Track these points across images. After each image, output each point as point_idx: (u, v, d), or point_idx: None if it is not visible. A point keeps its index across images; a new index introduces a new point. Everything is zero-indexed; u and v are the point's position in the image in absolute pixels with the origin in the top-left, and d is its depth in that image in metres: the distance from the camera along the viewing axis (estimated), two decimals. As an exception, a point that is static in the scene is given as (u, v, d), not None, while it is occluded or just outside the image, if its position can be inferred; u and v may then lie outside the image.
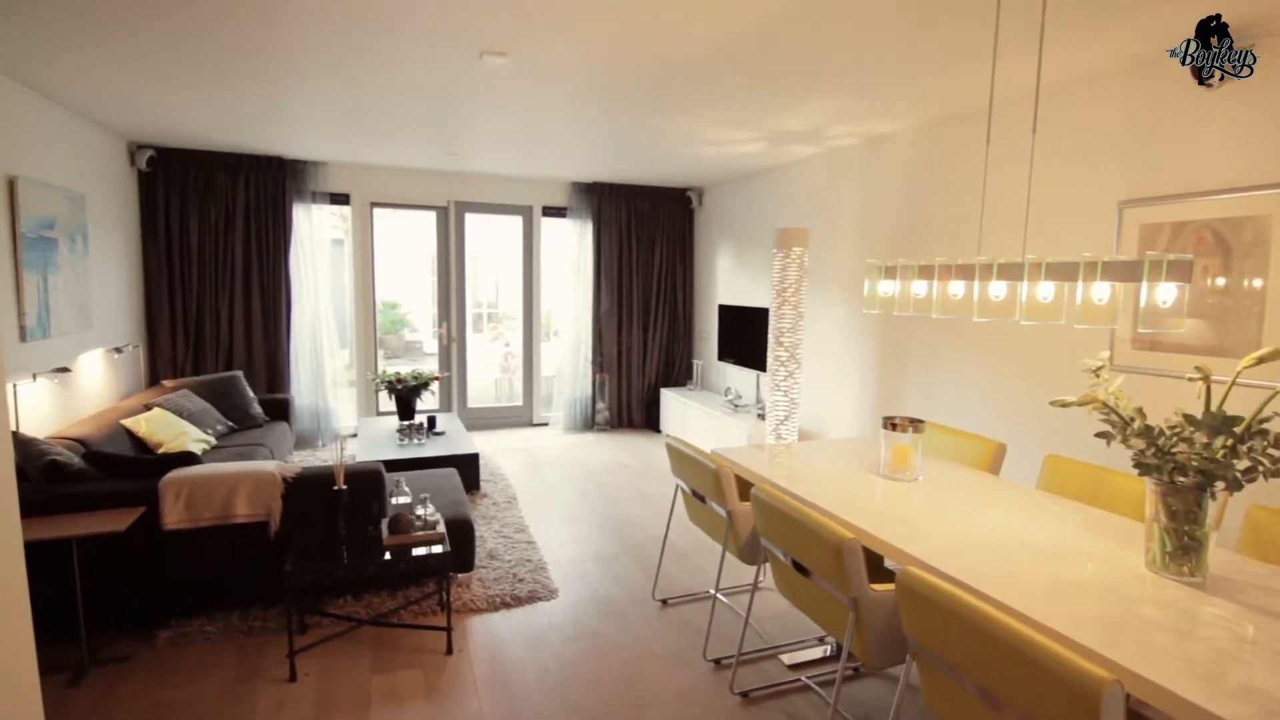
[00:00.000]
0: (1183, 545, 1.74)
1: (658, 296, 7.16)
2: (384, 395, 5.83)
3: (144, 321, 5.46)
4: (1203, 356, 2.75)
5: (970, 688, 1.54)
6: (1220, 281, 2.72)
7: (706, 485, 2.82)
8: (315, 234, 5.91)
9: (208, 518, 2.79)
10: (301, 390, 5.98)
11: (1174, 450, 1.68)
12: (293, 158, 5.74)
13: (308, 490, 2.95)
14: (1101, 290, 1.82)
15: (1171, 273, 1.71)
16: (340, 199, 6.14)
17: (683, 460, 2.98)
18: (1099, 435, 1.82)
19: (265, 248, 5.76)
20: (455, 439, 5.01)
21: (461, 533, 3.20)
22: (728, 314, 6.32)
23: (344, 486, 2.78)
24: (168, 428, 4.14)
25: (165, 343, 5.51)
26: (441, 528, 2.92)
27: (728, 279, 6.68)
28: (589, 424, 7.00)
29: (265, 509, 2.86)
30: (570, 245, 6.84)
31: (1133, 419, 1.78)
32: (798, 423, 4.67)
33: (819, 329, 5.18)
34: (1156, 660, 1.38)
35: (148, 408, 4.26)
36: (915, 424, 2.58)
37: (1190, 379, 1.70)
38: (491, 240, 7.42)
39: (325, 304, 6.03)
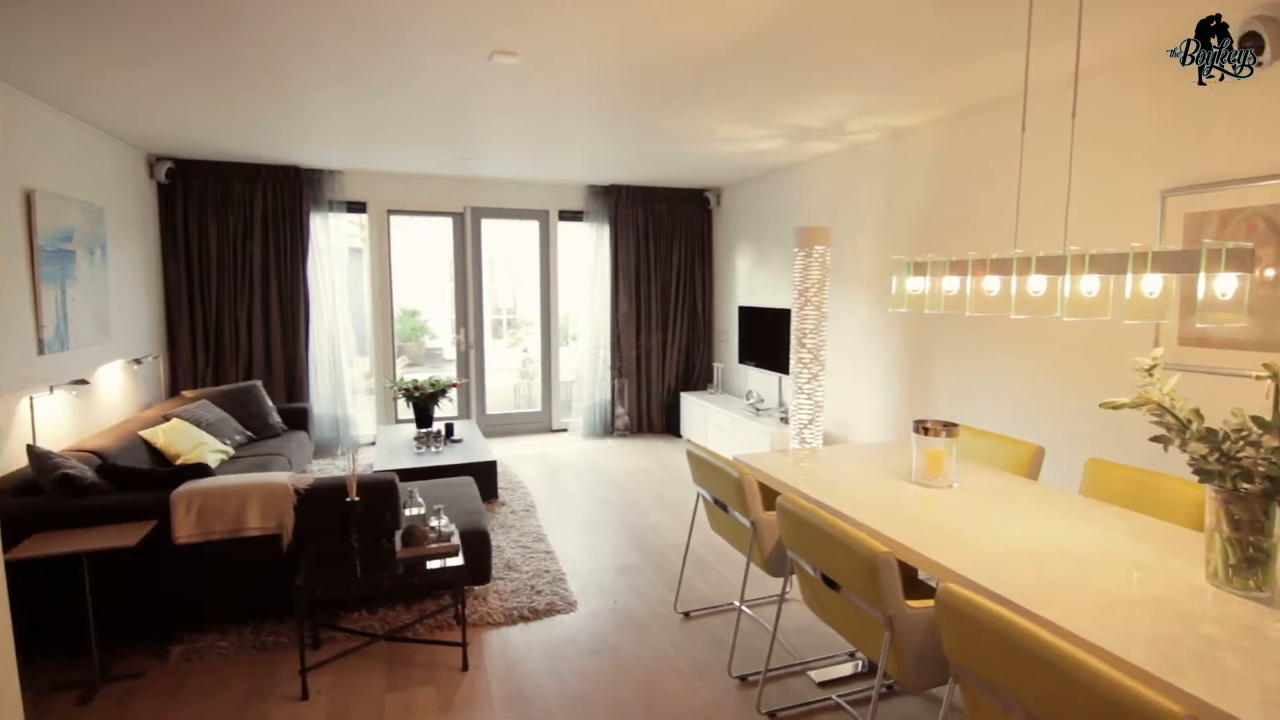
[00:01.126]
0: (1247, 557, 1.60)
1: (676, 299, 7.06)
2: (403, 403, 5.80)
3: (164, 332, 5.49)
4: (1252, 352, 2.58)
5: (1019, 715, 1.42)
6: (1269, 273, 2.56)
7: (729, 494, 2.71)
8: (333, 242, 5.92)
9: (219, 531, 2.74)
10: (320, 399, 5.97)
11: (1239, 455, 1.54)
12: (309, 167, 5.74)
13: (320, 502, 2.89)
14: (1153, 283, 1.70)
15: (1231, 262, 1.58)
16: (357, 207, 6.13)
17: (704, 468, 2.88)
18: (1155, 439, 1.69)
19: (284, 257, 5.77)
20: (473, 446, 4.95)
21: (477, 544, 3.12)
22: (748, 315, 6.20)
23: (357, 498, 2.73)
24: (186, 438, 4.12)
25: (185, 353, 5.53)
26: (456, 539, 2.84)
27: (748, 280, 6.56)
28: (608, 429, 6.92)
29: (277, 521, 2.81)
30: (587, 249, 6.77)
31: (1190, 421, 1.64)
32: (822, 427, 4.54)
33: (843, 329, 5.04)
34: (1227, 687, 1.25)
35: (166, 419, 4.26)
36: (949, 427, 2.46)
37: (1258, 377, 1.56)
38: (508, 246, 7.39)
39: (344, 312, 6.02)
